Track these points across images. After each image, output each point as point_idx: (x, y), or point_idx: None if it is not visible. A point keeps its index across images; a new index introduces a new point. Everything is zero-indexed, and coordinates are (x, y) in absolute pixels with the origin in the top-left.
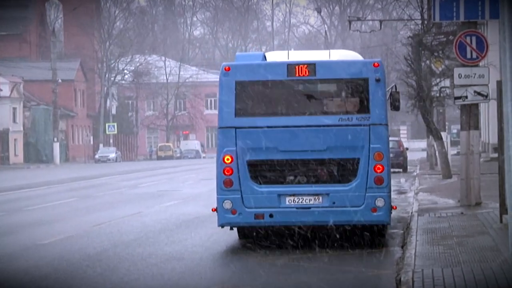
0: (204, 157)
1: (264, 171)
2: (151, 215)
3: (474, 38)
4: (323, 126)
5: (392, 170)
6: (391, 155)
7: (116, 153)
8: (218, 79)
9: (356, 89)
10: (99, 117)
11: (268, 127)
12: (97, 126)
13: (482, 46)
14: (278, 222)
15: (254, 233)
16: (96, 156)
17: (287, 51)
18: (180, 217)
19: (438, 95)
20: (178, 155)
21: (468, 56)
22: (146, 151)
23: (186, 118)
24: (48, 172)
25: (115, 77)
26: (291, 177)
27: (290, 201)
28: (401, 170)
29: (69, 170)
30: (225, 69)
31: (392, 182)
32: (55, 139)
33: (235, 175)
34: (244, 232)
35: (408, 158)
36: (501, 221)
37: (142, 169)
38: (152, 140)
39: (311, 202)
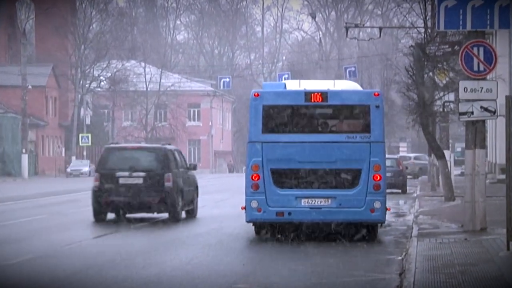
0: None
1: (284, 177)
2: (126, 235)
3: (481, 49)
4: (333, 142)
5: (390, 190)
6: (389, 174)
7: (89, 166)
8: (202, 88)
9: (360, 113)
10: (72, 127)
11: (288, 142)
12: (69, 137)
13: (490, 58)
14: (295, 219)
15: (265, 232)
16: (68, 170)
17: (298, 80)
18: (158, 238)
19: (441, 110)
20: None
21: (475, 68)
22: None
23: (167, 130)
24: (16, 186)
25: (90, 84)
26: (306, 183)
27: (305, 202)
28: (400, 191)
29: (39, 185)
30: (254, 95)
31: (390, 204)
32: (24, 151)
33: (261, 180)
34: (264, 230)
35: (408, 178)
36: (508, 248)
37: None
38: None
39: (322, 203)
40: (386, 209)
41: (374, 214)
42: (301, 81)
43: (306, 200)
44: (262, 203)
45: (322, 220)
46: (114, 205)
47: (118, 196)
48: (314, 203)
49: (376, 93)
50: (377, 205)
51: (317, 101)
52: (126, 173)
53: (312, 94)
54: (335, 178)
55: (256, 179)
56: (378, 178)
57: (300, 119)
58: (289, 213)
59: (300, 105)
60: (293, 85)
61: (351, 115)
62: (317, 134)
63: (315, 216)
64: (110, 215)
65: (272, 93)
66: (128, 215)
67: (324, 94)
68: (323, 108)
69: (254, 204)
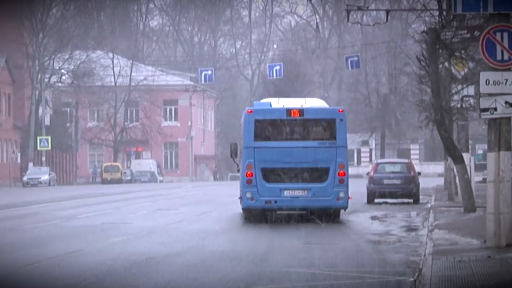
0: (161, 181)
1: (271, 174)
2: (93, 254)
3: (505, 35)
4: (308, 147)
5: (400, 200)
6: (398, 181)
7: (49, 174)
8: (179, 83)
9: (328, 125)
10: (29, 128)
11: (274, 147)
12: (26, 140)
13: None
14: (279, 206)
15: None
16: (25, 178)
17: (277, 98)
18: (130, 257)
19: (459, 106)
20: (129, 178)
21: (498, 57)
22: (88, 173)
23: (139, 131)
24: None
25: (49, 78)
26: (288, 178)
27: (287, 193)
28: (411, 200)
29: None
30: (248, 111)
31: (400, 216)
32: None
33: (254, 176)
34: (253, 217)
35: (421, 186)
36: None
37: (82, 196)
38: (96, 158)
39: (300, 194)
40: (349, 197)
41: (339, 201)
42: (280, 99)
43: (288, 191)
44: (254, 194)
45: (300, 207)
46: None
47: None
48: (294, 194)
49: (340, 109)
50: (341, 194)
51: (296, 116)
52: None
53: (292, 111)
54: (310, 174)
55: (250, 175)
56: (342, 174)
57: (283, 130)
58: (275, 201)
59: (283, 119)
60: (275, 102)
61: (321, 126)
62: (295, 141)
63: (295, 203)
64: None
65: (261, 110)
66: None
67: (301, 111)
68: (300, 121)
69: (248, 195)
